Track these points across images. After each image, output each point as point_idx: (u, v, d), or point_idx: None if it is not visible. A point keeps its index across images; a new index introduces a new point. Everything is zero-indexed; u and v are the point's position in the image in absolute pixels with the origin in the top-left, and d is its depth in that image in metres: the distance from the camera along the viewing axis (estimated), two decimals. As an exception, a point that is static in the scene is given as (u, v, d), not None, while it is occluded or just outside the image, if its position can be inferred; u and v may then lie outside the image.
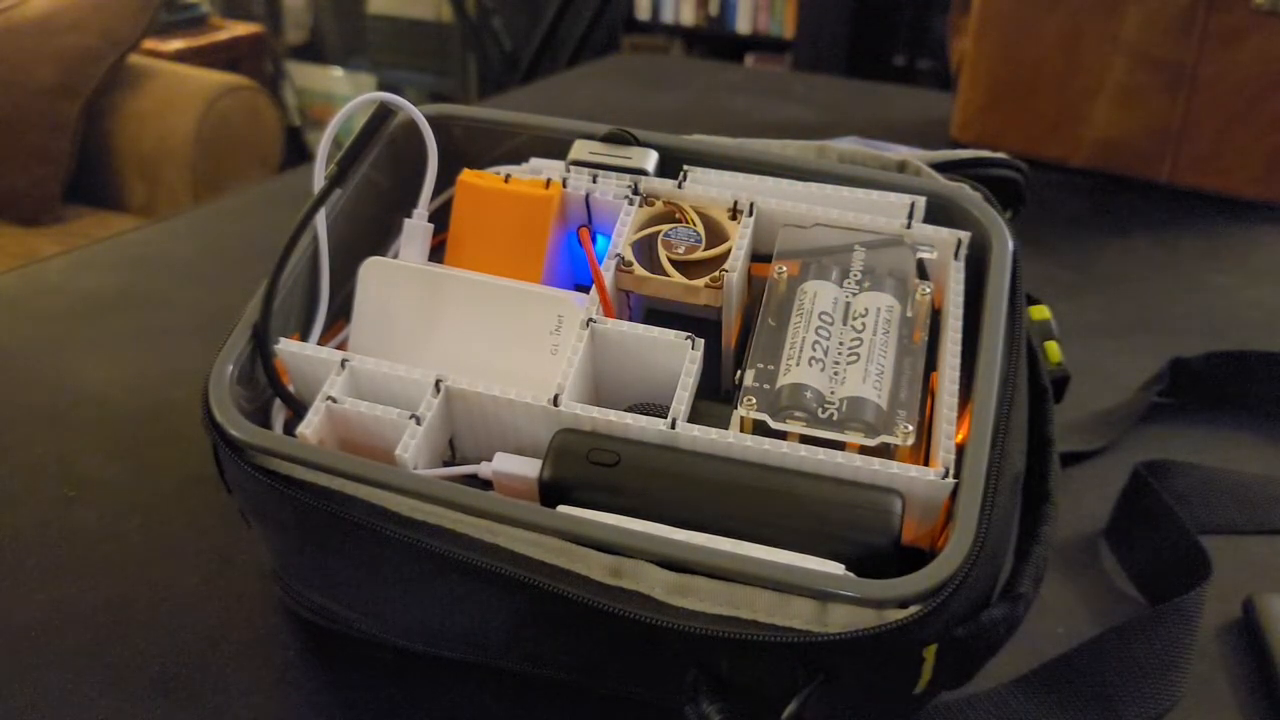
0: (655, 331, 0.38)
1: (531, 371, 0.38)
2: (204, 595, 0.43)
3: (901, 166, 0.45)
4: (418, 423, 0.36)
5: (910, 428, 0.34)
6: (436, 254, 0.45)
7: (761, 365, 0.37)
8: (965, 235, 0.40)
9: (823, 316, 0.38)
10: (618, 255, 0.41)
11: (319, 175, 0.42)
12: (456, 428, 0.39)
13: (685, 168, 0.44)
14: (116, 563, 0.44)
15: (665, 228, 0.42)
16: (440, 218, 0.45)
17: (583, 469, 0.34)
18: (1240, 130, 0.84)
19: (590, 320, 0.38)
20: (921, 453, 0.36)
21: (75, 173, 1.64)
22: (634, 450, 0.35)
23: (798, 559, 0.31)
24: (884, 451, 0.34)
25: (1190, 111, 0.85)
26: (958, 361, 0.37)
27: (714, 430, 0.35)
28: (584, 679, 0.37)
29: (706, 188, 0.43)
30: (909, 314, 0.41)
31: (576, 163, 0.44)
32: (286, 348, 0.39)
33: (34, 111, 1.57)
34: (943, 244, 0.43)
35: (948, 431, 0.34)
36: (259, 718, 0.38)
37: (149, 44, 1.86)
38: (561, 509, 0.34)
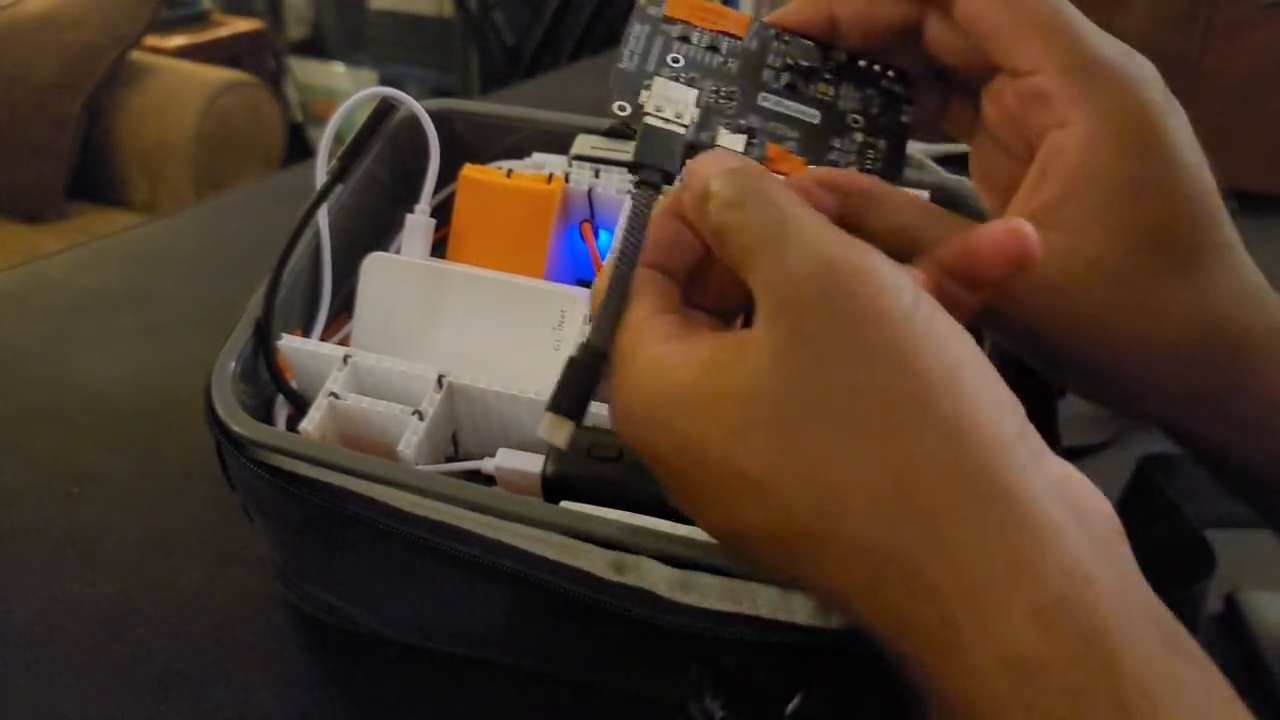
0: (658, 326, 0.38)
1: (534, 367, 0.38)
2: (207, 591, 0.43)
3: (904, 160, 0.45)
4: (420, 418, 0.36)
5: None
6: (439, 249, 0.45)
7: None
8: (969, 229, 0.40)
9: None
10: (620, 250, 0.41)
11: (321, 171, 0.42)
12: (459, 423, 0.39)
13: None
14: (119, 559, 0.44)
15: (668, 222, 0.41)
16: (442, 213, 0.45)
17: (585, 464, 0.34)
18: (1244, 124, 0.84)
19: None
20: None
21: (77, 169, 1.63)
22: (637, 445, 0.35)
23: (801, 554, 0.31)
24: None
25: (1193, 105, 0.85)
26: (961, 356, 0.37)
27: (717, 425, 0.34)
28: (586, 674, 0.37)
29: (709, 182, 0.42)
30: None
31: (579, 158, 0.44)
32: (289, 343, 0.39)
33: (35, 108, 1.57)
34: (946, 238, 0.43)
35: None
36: (262, 713, 0.38)
37: (150, 40, 1.85)
38: (564, 504, 0.34)
